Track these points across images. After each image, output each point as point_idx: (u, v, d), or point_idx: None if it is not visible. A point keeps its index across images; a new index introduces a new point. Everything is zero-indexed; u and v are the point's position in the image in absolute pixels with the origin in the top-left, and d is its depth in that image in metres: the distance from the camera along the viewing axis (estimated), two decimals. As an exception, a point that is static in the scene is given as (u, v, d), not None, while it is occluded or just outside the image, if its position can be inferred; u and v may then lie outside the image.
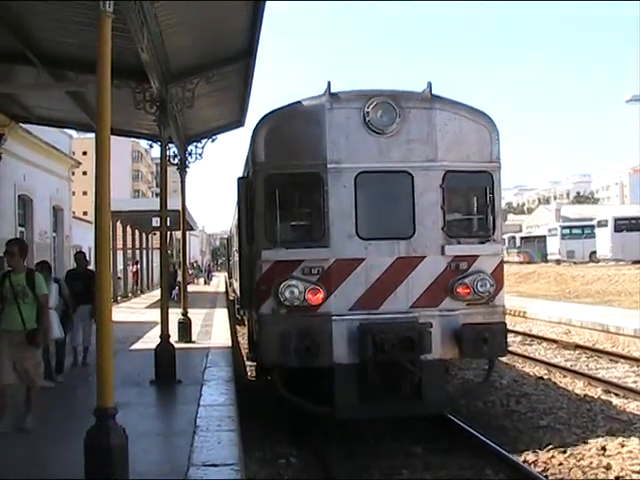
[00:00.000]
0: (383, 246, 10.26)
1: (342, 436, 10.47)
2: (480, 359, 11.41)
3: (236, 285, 22.78)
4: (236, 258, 19.26)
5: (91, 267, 18.81)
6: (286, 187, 10.49)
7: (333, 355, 9.80)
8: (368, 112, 10.23)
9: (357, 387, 9.92)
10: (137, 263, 45.98)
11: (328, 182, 10.17)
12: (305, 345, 9.58)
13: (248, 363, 16.69)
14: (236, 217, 15.72)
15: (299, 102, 10.62)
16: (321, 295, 9.96)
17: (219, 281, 71.06)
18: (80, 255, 14.95)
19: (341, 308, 10.03)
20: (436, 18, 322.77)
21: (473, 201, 11.15)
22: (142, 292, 42.11)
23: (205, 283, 64.99)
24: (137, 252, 48.55)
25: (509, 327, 19.72)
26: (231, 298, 37.35)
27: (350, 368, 9.87)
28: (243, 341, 21.49)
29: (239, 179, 11.91)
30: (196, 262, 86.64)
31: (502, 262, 10.84)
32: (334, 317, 9.96)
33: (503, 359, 15.93)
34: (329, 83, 10.35)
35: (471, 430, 10.21)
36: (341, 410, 9.87)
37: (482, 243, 10.61)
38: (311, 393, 10.15)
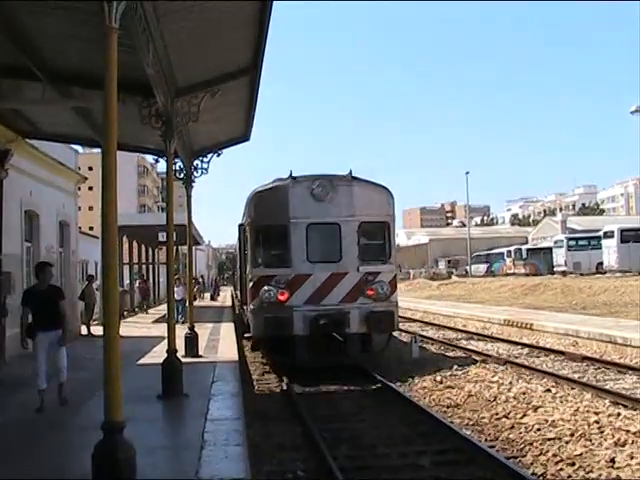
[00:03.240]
0: (323, 266, 17.24)
1: (352, 448, 10.48)
2: (380, 333, 17.72)
3: (238, 293, 30.40)
4: (238, 274, 26.74)
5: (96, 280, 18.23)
6: (266, 233, 17.71)
7: (293, 330, 16.61)
8: (314, 188, 17.38)
9: (308, 348, 16.64)
10: (143, 277, 45.47)
11: (291, 230, 17.24)
12: (277, 324, 16.52)
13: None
14: (237, 248, 23.88)
15: (273, 183, 17.86)
16: (286, 296, 16.85)
17: (225, 295, 69.95)
18: (44, 267, 11.59)
19: (298, 303, 16.86)
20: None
21: (377, 239, 18.08)
22: (149, 307, 41.95)
23: (212, 299, 60.45)
24: (143, 267, 48.51)
25: (515, 339, 22.11)
26: (237, 312, 37.24)
27: (304, 337, 16.67)
28: (250, 355, 21.51)
29: (239, 225, 19.61)
30: (202, 277, 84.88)
31: (395, 275, 18.24)
32: (294, 308, 16.78)
33: (509, 371, 16.16)
34: (291, 171, 17.54)
35: (480, 444, 10.19)
36: (298, 361, 16.69)
37: (382, 264, 17.70)
38: (282, 353, 17.06)
